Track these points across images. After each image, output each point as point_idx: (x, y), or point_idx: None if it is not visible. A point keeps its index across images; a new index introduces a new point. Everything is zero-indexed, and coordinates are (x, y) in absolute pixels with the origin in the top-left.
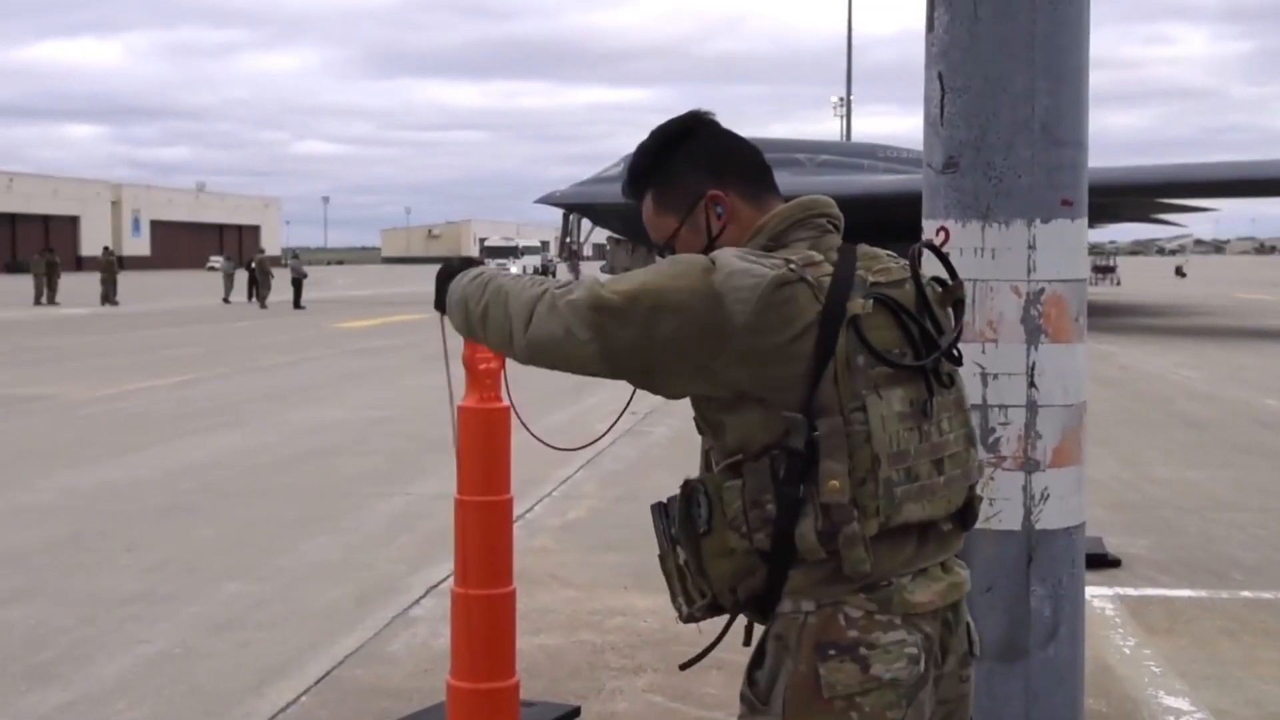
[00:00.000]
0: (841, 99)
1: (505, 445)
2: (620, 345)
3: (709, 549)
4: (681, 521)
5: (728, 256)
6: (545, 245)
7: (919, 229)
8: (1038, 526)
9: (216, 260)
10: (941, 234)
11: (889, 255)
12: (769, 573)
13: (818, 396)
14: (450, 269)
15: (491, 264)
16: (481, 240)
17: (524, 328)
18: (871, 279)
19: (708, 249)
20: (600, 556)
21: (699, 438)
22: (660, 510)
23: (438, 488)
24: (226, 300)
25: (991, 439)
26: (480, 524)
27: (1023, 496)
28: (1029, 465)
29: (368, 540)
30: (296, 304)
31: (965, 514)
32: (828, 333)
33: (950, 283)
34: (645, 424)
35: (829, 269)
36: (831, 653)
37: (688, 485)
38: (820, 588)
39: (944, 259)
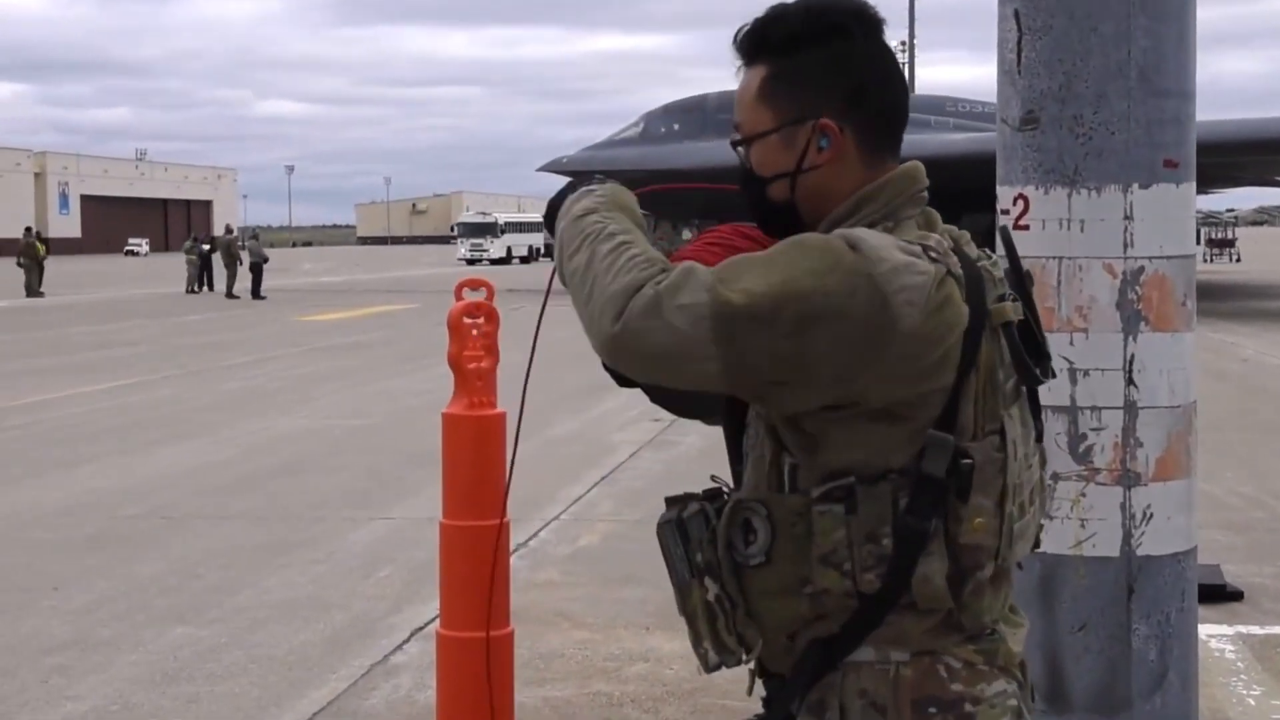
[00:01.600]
0: (903, 44)
1: (500, 458)
2: (752, 361)
3: (762, 585)
4: (723, 548)
5: (877, 242)
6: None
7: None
8: (1139, 552)
9: (139, 244)
10: (1019, 203)
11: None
12: (858, 617)
13: (958, 416)
14: (559, 196)
15: (593, 192)
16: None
17: (612, 322)
18: (991, 269)
19: (788, 177)
20: (618, 591)
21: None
22: (674, 530)
23: (425, 510)
24: (194, 290)
25: (1082, 447)
26: (471, 553)
27: (1121, 516)
28: (1128, 479)
29: (342, 573)
30: (256, 293)
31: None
32: (973, 339)
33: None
34: (672, 432)
35: (955, 259)
36: (933, 710)
37: (738, 504)
38: (926, 637)
39: (1009, 244)
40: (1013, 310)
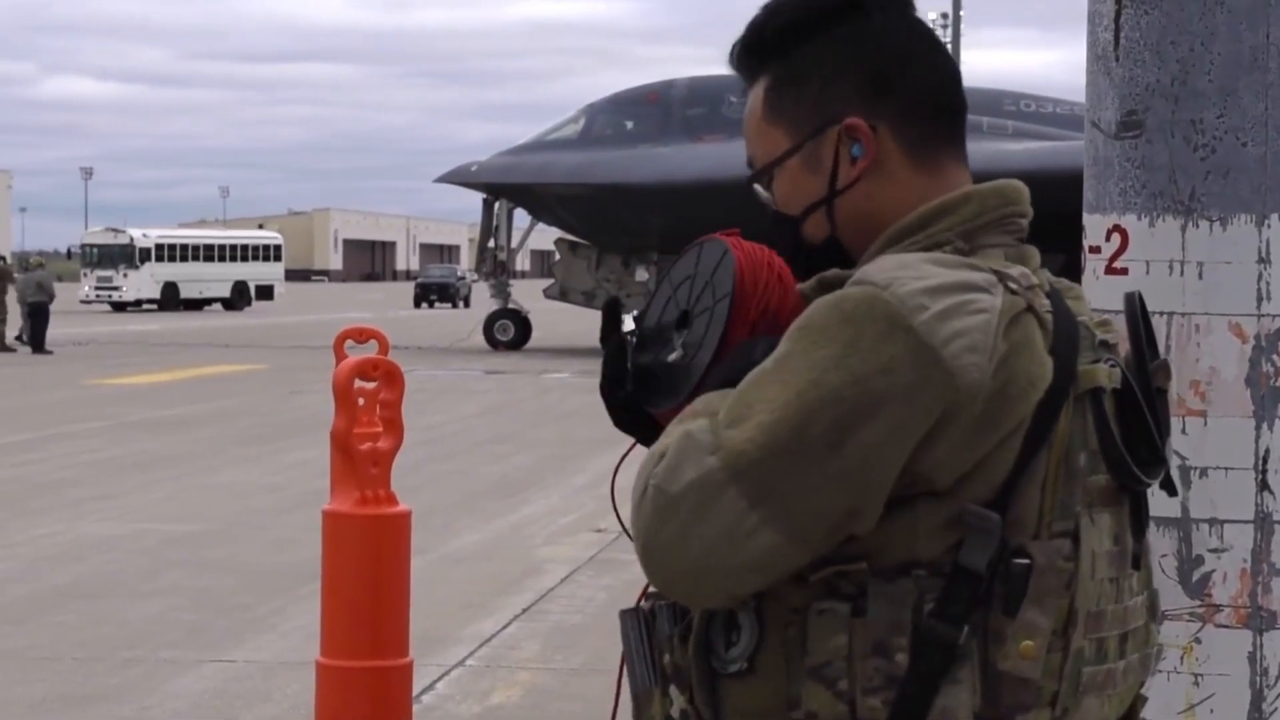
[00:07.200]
0: (945, 17)
1: (402, 576)
2: (810, 506)
3: (740, 700)
4: (696, 649)
5: (907, 274)
6: (273, 250)
7: (1077, 230)
8: None
9: None
10: (1115, 238)
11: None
12: None
13: (1017, 502)
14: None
15: None
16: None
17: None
18: (1097, 331)
19: (822, 206)
20: None
21: None
22: (637, 621)
23: (279, 649)
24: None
25: (1197, 575)
26: (361, 706)
27: (1249, 672)
28: (1259, 621)
29: None
30: (37, 345)
31: None
32: (1050, 405)
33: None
34: (621, 546)
35: (1046, 302)
36: None
37: None
38: None
39: (1145, 320)
40: (1107, 376)
